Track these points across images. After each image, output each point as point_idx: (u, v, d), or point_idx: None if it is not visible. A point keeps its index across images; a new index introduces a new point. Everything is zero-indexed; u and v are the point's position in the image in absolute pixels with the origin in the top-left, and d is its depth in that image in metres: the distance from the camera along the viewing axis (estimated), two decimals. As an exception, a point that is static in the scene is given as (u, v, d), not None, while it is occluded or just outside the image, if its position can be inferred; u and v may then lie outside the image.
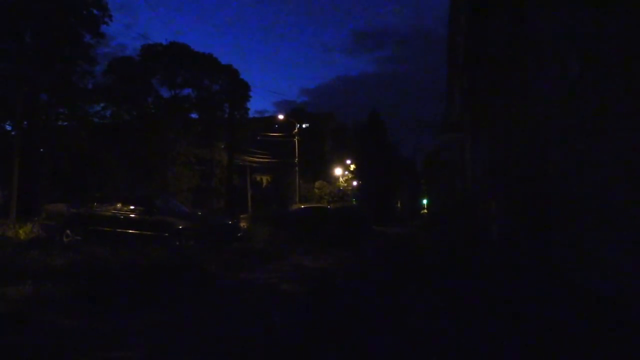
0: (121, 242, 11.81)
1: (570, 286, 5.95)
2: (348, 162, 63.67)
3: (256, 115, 64.33)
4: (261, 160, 49.18)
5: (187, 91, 42.67)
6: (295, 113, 60.28)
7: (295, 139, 50.36)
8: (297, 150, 49.73)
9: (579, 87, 5.83)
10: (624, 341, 4.12)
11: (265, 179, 57.88)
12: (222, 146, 45.16)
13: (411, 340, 4.89)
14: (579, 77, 5.78)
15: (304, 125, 58.93)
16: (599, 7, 5.26)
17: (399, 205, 60.52)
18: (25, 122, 28.33)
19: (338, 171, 63.80)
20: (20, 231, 14.38)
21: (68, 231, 13.74)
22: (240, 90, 44.97)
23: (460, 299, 6.35)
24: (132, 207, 13.76)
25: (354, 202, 52.47)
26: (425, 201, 57.43)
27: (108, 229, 13.32)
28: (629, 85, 4.47)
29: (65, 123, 32.21)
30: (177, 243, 12.46)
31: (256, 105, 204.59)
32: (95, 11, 29.30)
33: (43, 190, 27.91)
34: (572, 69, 5.92)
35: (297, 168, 49.88)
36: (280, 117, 54.91)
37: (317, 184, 58.04)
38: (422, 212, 54.75)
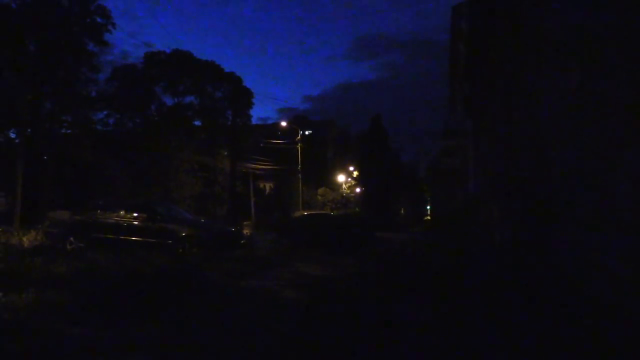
0: (124, 249, 11.83)
1: (574, 292, 5.94)
2: (351, 168, 63.69)
3: (259, 123, 64.66)
4: (264, 167, 49.22)
5: (190, 98, 42.89)
6: (298, 120, 60.44)
7: (298, 146, 50.42)
8: (299, 157, 49.78)
9: (580, 91, 5.84)
10: (626, 348, 4.11)
11: (268, 186, 57.91)
12: (225, 153, 45.26)
13: (408, 349, 4.89)
14: (580, 82, 5.80)
15: (306, 132, 59.06)
16: (599, 11, 5.28)
17: (402, 211, 60.43)
18: (29, 130, 28.47)
19: (341, 178, 63.81)
20: (24, 238, 14.41)
21: (71, 238, 13.78)
22: (243, 97, 45.12)
23: (461, 305, 6.34)
24: (135, 215, 13.81)
25: (357, 209, 52.41)
26: (428, 207, 57.34)
27: (111, 236, 13.36)
28: (630, 88, 4.49)
29: (69, 131, 32.37)
30: (180, 250, 12.48)
31: (259, 113, 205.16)
32: (98, 19, 29.49)
33: (46, 197, 28.00)
34: (573, 74, 5.94)
35: (300, 175, 49.91)
36: (283, 124, 55.05)
37: (320, 190, 58.03)
38: (426, 218, 54.66)
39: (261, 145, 51.34)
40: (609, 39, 5.01)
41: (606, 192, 5.10)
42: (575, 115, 6.06)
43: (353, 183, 62.92)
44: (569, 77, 6.08)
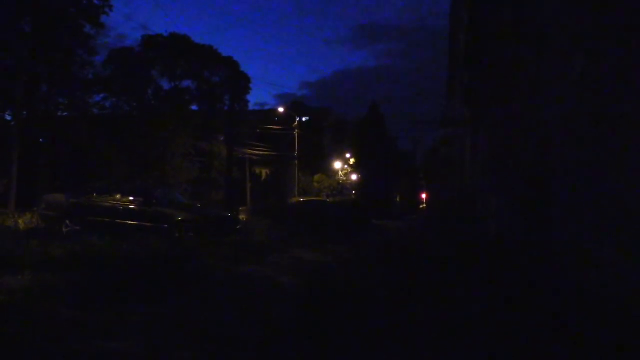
0: (120, 233, 11.81)
1: (569, 285, 5.96)
2: (348, 155, 63.68)
3: (256, 108, 64.26)
4: (261, 153, 49.09)
5: (187, 83, 42.54)
6: (295, 106, 60.23)
7: (295, 132, 50.30)
8: (296, 144, 49.68)
9: (582, 82, 5.81)
10: (622, 342, 4.13)
11: (264, 172, 57.82)
12: (222, 138, 45.08)
13: (405, 332, 4.90)
14: (582, 73, 5.76)
15: (303, 119, 58.90)
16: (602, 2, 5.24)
17: (398, 199, 60.58)
18: (25, 113, 28.23)
19: (338, 165, 63.84)
20: (20, 221, 14.38)
21: (67, 221, 13.74)
22: (240, 82, 44.82)
23: (457, 296, 6.36)
24: (131, 199, 13.77)
25: (353, 197, 52.47)
26: (424, 195, 57.46)
27: (107, 219, 13.33)
28: (633, 81, 4.46)
29: (65, 113, 32.14)
30: (176, 235, 12.46)
31: (256, 98, 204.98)
32: (95, 1, 29.16)
33: (42, 180, 27.87)
34: (576, 65, 5.90)
35: (296, 161, 49.85)
36: (280, 110, 54.89)
37: (316, 177, 58.03)
38: (422, 206, 54.80)
39: (258, 131, 51.11)
40: (612, 28, 4.97)
41: (607, 184, 5.09)
42: (577, 105, 6.03)
43: (349, 170, 62.96)
44: (572, 66, 6.04)
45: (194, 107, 43.86)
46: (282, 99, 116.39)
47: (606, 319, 4.52)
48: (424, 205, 51.28)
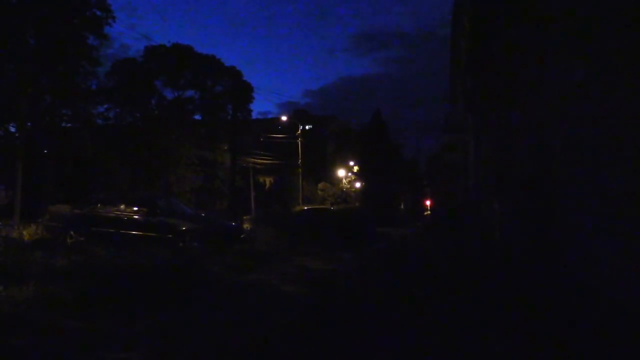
0: (125, 243, 11.80)
1: (576, 289, 5.93)
2: (351, 163, 63.63)
3: (259, 117, 64.42)
4: (264, 161, 49.14)
5: (190, 93, 42.74)
6: (298, 114, 60.33)
7: (299, 141, 50.35)
8: (300, 152, 49.72)
9: (583, 86, 5.81)
10: (631, 345, 4.10)
11: (268, 181, 57.82)
12: (225, 147, 45.19)
13: (407, 340, 4.88)
14: (583, 77, 5.76)
15: (307, 127, 58.96)
16: (601, 8, 5.25)
17: (402, 206, 60.46)
18: (29, 124, 28.38)
19: (341, 173, 63.79)
20: (24, 232, 14.37)
21: (72, 232, 13.74)
22: (243, 91, 44.95)
23: (462, 301, 6.34)
24: (135, 209, 13.76)
25: (357, 204, 52.38)
26: (428, 202, 57.35)
27: (111, 230, 13.32)
28: (634, 85, 4.46)
29: (69, 124, 32.30)
30: (181, 244, 12.45)
31: (259, 107, 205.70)
32: (98, 12, 29.35)
33: (47, 191, 27.95)
34: (577, 69, 5.90)
35: (300, 169, 49.86)
36: (284, 118, 55.02)
37: (320, 185, 57.99)
38: (426, 213, 54.63)
39: (261, 139, 51.20)
40: (613, 34, 4.98)
41: (609, 188, 5.08)
42: (578, 110, 6.03)
43: (353, 178, 62.89)
44: (573, 72, 6.05)
45: (197, 117, 44.08)
46: (285, 107, 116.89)
47: (616, 318, 4.49)
48: (428, 212, 51.12)
